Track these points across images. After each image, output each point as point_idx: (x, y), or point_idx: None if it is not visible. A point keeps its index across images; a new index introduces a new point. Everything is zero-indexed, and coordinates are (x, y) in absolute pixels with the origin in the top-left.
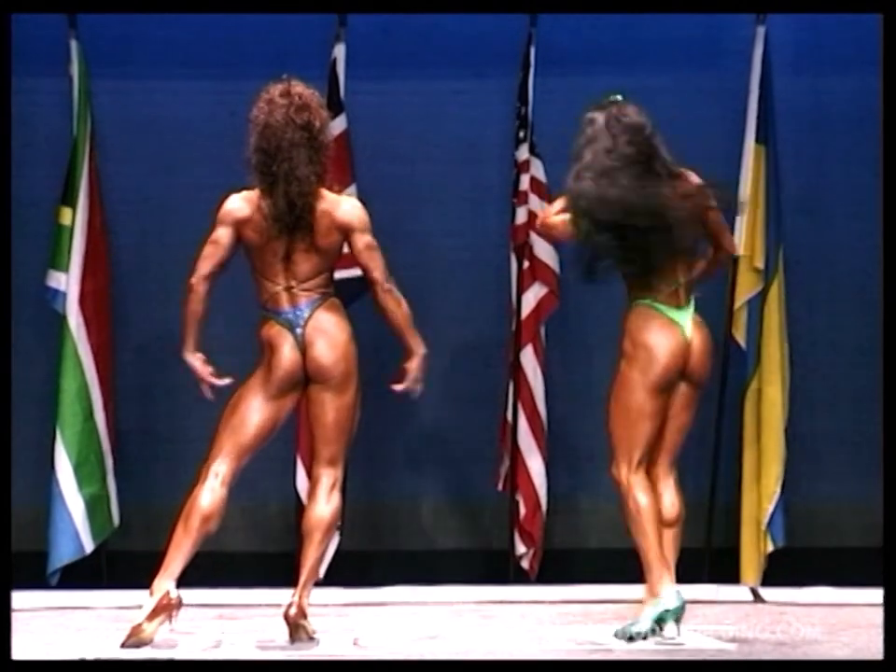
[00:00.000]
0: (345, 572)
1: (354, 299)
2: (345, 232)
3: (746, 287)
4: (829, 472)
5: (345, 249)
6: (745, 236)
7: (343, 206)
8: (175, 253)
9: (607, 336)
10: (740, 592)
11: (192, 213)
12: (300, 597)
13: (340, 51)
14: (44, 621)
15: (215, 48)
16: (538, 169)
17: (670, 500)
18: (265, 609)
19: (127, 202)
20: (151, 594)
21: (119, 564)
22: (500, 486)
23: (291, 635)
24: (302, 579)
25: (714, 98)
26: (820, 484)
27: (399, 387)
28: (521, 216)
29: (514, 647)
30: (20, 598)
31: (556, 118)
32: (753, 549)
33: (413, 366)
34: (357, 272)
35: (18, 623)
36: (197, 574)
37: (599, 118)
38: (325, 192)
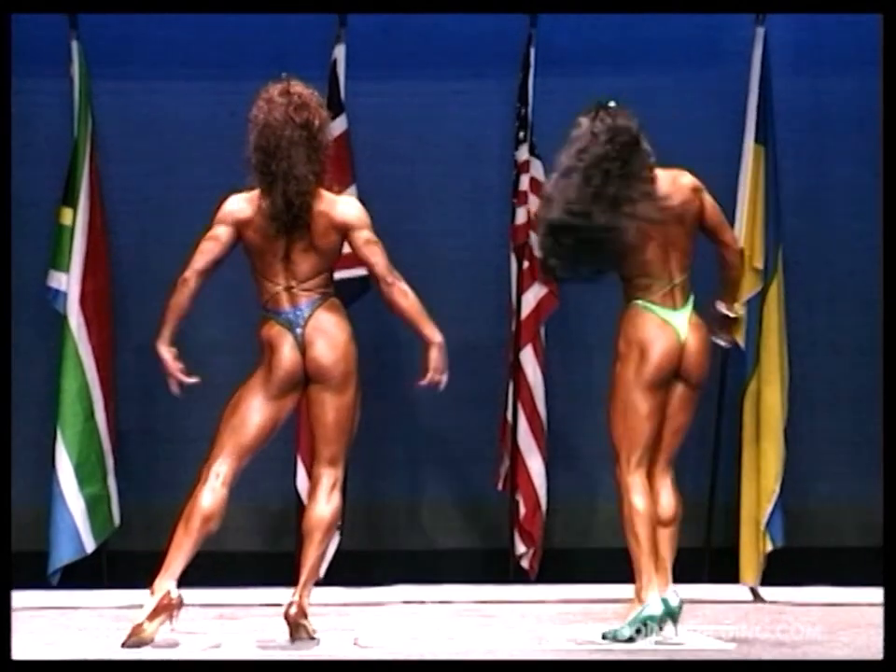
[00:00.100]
0: (345, 572)
1: (354, 299)
2: (344, 232)
3: (745, 288)
4: (828, 472)
5: (345, 250)
6: (744, 236)
7: (340, 206)
8: (175, 253)
9: (607, 336)
10: (739, 591)
11: (193, 213)
12: (300, 597)
13: (340, 52)
14: (44, 620)
15: (215, 48)
16: (537, 169)
17: (667, 500)
18: (265, 608)
19: (127, 202)
20: (152, 593)
21: (119, 564)
22: (500, 486)
23: (292, 634)
24: (303, 578)
25: (714, 98)
26: (820, 484)
27: (422, 383)
28: (521, 216)
29: (514, 647)
30: (20, 598)
31: (556, 118)
32: (753, 548)
33: (433, 356)
34: (356, 272)
35: (18, 622)
36: (198, 574)
37: (584, 121)
38: (323, 192)
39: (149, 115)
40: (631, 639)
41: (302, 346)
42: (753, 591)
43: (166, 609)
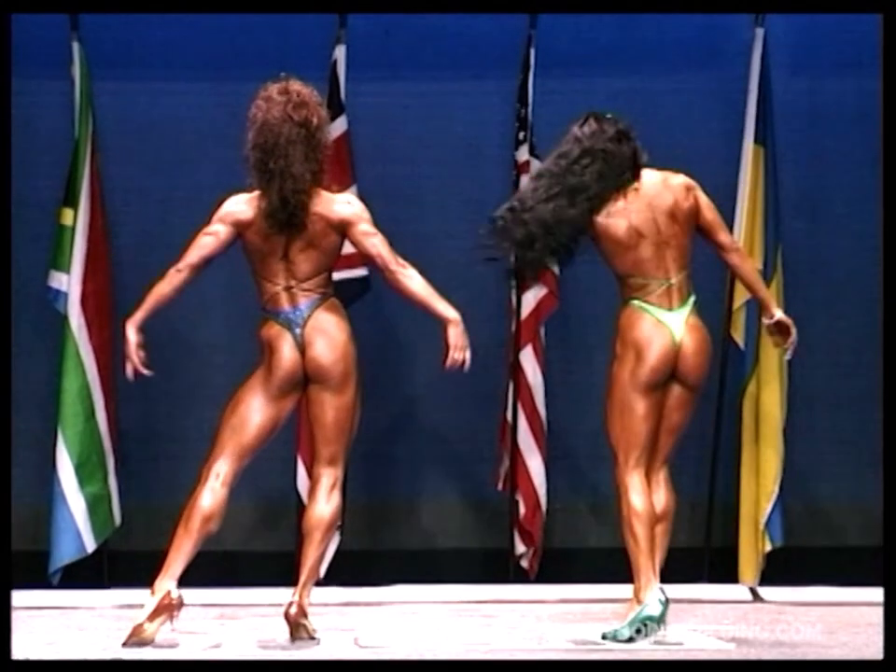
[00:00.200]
0: (345, 572)
1: (354, 299)
2: (342, 229)
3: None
4: (828, 472)
5: (346, 250)
6: (744, 237)
7: (337, 204)
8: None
9: (607, 336)
10: (739, 591)
11: (193, 213)
12: (300, 597)
13: (340, 52)
14: (45, 620)
15: (215, 49)
16: None
17: (659, 496)
18: (265, 608)
19: (128, 202)
20: (153, 593)
21: (120, 563)
22: (500, 486)
23: (292, 634)
24: (303, 578)
25: (713, 99)
26: (819, 484)
27: (447, 364)
28: None
29: (514, 647)
30: (20, 598)
31: (556, 119)
32: (752, 548)
33: (451, 334)
34: (357, 272)
35: (18, 622)
36: (198, 574)
37: (574, 128)
38: (321, 192)
39: (150, 115)
40: (631, 640)
41: (302, 346)
42: (753, 591)
43: (167, 609)
